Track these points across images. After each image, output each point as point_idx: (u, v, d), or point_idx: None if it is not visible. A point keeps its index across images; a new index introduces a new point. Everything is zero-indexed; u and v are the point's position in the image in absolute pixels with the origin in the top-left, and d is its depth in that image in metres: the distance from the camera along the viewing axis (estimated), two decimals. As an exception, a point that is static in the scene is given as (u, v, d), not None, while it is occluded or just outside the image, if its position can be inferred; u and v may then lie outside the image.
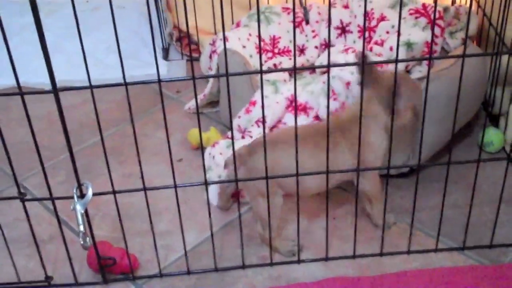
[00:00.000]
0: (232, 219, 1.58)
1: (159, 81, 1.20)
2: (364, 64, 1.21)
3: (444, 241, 1.48)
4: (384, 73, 1.43)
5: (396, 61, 1.21)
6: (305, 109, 1.61)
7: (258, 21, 1.16)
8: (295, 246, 1.46)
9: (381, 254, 1.45)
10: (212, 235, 1.39)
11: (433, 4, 1.89)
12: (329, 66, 1.20)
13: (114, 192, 1.30)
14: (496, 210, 1.43)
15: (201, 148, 1.34)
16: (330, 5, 1.14)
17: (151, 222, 1.33)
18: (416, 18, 1.85)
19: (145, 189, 1.31)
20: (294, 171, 1.30)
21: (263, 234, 1.46)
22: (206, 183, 1.32)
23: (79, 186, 1.26)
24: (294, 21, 1.10)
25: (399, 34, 1.16)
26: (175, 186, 1.31)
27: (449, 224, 1.52)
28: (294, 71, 1.19)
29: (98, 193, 1.29)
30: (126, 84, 1.18)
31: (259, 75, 1.63)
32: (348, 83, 1.59)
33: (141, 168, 1.28)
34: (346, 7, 2.00)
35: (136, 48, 2.35)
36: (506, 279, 1.37)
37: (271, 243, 1.44)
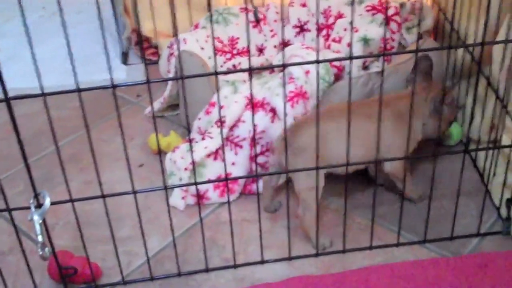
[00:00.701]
0: (195, 222, 1.57)
1: (113, 86, 1.19)
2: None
3: (406, 235, 1.49)
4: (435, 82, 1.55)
5: (351, 57, 1.21)
6: (262, 105, 1.61)
7: (212, 23, 1.15)
8: (329, 240, 1.47)
9: (343, 251, 1.46)
10: (174, 239, 1.38)
11: (389, 1, 1.91)
12: (284, 65, 1.20)
13: (72, 201, 1.28)
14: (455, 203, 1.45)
15: (158, 152, 1.33)
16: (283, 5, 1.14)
17: (111, 229, 1.32)
18: (373, 14, 1.86)
19: (103, 196, 1.29)
20: (342, 146, 1.29)
21: (303, 218, 1.45)
22: (166, 188, 1.31)
23: (36, 195, 1.24)
24: (247, 22, 1.10)
25: (352, 31, 1.16)
26: (134, 192, 1.30)
27: (410, 218, 1.53)
28: (250, 72, 1.19)
29: (56, 202, 1.27)
30: (79, 90, 1.16)
31: (217, 76, 1.63)
32: (307, 72, 1.60)
33: (98, 175, 1.26)
34: (304, 5, 2.00)
35: (96, 53, 2.33)
36: (466, 269, 1.39)
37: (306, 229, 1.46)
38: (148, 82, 1.17)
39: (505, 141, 1.47)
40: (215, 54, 1.12)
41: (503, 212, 1.49)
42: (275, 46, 1.99)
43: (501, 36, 1.46)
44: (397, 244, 1.47)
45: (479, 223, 1.48)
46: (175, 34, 1.15)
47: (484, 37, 1.26)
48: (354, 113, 1.26)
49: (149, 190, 1.33)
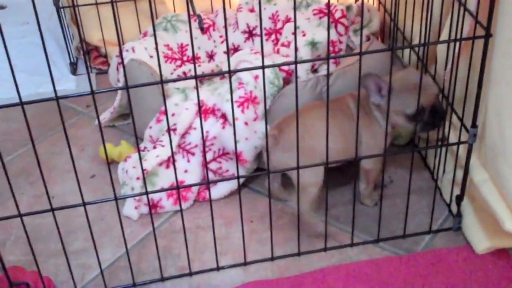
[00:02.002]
0: (149, 231, 1.56)
1: (57, 98, 1.17)
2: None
3: (360, 235, 1.50)
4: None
5: (296, 62, 1.22)
6: (213, 111, 1.61)
7: (154, 32, 1.15)
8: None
9: (299, 254, 1.46)
10: (127, 250, 1.36)
11: (336, 4, 1.93)
12: (229, 72, 1.20)
13: (20, 215, 1.25)
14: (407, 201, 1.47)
15: (107, 162, 1.31)
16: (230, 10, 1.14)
17: (62, 242, 1.30)
18: (320, 18, 1.88)
19: (52, 209, 1.27)
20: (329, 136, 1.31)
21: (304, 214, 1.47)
22: (116, 199, 1.29)
23: (-18, 212, 1.21)
24: (191, 30, 1.09)
25: (295, 36, 1.17)
26: (84, 204, 1.28)
27: (364, 218, 1.55)
28: (196, 80, 1.18)
29: (4, 217, 1.25)
30: (22, 103, 1.14)
31: (168, 84, 1.62)
32: (256, 76, 1.60)
33: (46, 188, 1.24)
34: (252, 10, 2.01)
35: (43, 64, 2.29)
36: (419, 266, 1.41)
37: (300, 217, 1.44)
38: (92, 93, 1.16)
39: (452, 138, 1.49)
40: (159, 64, 1.11)
41: (454, 208, 1.51)
42: (225, 52, 1.99)
43: (444, 36, 1.49)
44: (352, 245, 1.48)
45: (431, 220, 1.50)
46: (119, 43, 1.14)
47: (426, 37, 1.29)
48: (332, 110, 1.35)
49: (99, 202, 1.31)
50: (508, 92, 1.24)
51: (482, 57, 1.26)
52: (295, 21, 1.15)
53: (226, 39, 1.13)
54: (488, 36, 1.23)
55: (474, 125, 1.34)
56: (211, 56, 2.04)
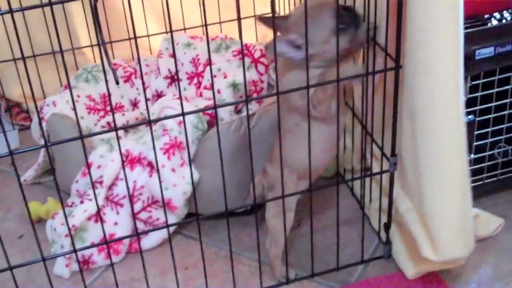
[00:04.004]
0: (83, 288, 1.52)
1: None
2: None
3: (295, 271, 1.51)
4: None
5: (215, 107, 1.23)
6: (139, 160, 1.60)
7: (69, 86, 1.14)
8: (294, 273, 1.49)
9: (235, 296, 1.46)
10: (59, 310, 1.33)
11: (255, 44, 1.96)
12: (149, 121, 1.20)
13: None
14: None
15: (31, 222, 1.28)
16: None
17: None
18: (240, 59, 1.91)
19: (-23, 276, 1.23)
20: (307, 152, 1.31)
21: (269, 250, 1.47)
22: (44, 259, 1.27)
23: None
24: (106, 82, 1.10)
25: (212, 80, 1.18)
26: (10, 268, 1.25)
27: (297, 253, 1.56)
28: (115, 131, 1.18)
29: None
30: None
31: (92, 137, 1.60)
32: (180, 122, 1.60)
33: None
34: (172, 56, 2.02)
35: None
36: (355, 298, 1.43)
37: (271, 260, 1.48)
38: (11, 153, 1.13)
39: (375, 168, 1.53)
40: (78, 120, 1.11)
41: (383, 236, 1.54)
42: (148, 99, 1.99)
43: (358, 70, 1.53)
44: (287, 282, 1.49)
45: (362, 250, 1.53)
46: (34, 100, 1.12)
47: (338, 73, 1.32)
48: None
49: (26, 264, 1.28)
50: (412, 123, 1.29)
51: (395, 88, 1.30)
52: (210, 65, 1.17)
53: (143, 88, 1.14)
54: (398, 67, 1.28)
55: (393, 154, 1.38)
56: (135, 104, 2.03)
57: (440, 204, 1.28)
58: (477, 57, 1.44)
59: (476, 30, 1.44)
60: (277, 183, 1.38)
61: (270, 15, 1.21)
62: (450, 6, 1.16)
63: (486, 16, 1.51)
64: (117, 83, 1.38)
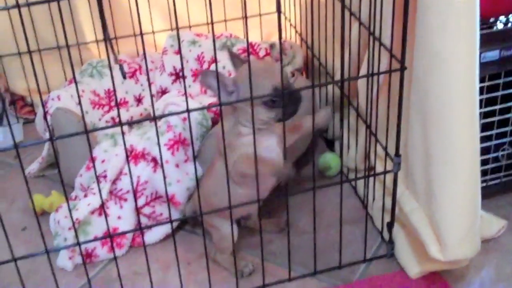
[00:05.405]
0: (84, 282, 1.53)
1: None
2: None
3: (297, 269, 1.51)
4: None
5: (220, 104, 1.23)
6: (143, 155, 1.61)
7: (75, 81, 1.14)
8: (247, 267, 1.50)
9: (237, 293, 1.47)
10: (62, 303, 1.34)
11: (260, 42, 1.96)
12: (154, 117, 1.20)
13: None
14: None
15: (35, 215, 1.28)
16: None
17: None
18: (244, 57, 1.91)
19: (-19, 267, 1.24)
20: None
21: (213, 258, 1.52)
22: (48, 252, 1.27)
23: None
24: (112, 76, 1.10)
25: (217, 77, 1.19)
26: (14, 260, 1.25)
27: (299, 251, 1.56)
28: (120, 126, 1.18)
29: None
30: None
31: (96, 131, 1.61)
32: (184, 119, 1.61)
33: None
34: (177, 53, 2.03)
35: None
36: (356, 296, 1.44)
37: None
38: (16, 147, 1.14)
39: (378, 168, 1.54)
40: (83, 114, 1.11)
41: (386, 235, 1.55)
42: (153, 95, 1.99)
43: (363, 71, 1.54)
44: (289, 279, 1.49)
45: (365, 249, 1.53)
46: (40, 94, 1.13)
47: (343, 73, 1.33)
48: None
49: (29, 256, 1.29)
50: (423, 123, 1.29)
51: (400, 89, 1.31)
52: (216, 63, 1.18)
53: (149, 84, 1.14)
54: (403, 69, 1.29)
55: (397, 154, 1.38)
56: (139, 100, 2.04)
57: (449, 203, 1.29)
58: (482, 60, 1.44)
59: (481, 33, 1.44)
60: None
61: (276, 14, 1.23)
62: (466, 4, 1.16)
63: (491, 19, 1.51)
64: (124, 77, 1.38)
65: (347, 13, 1.52)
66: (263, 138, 1.34)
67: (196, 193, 1.44)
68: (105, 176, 1.62)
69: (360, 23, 1.49)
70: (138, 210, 1.41)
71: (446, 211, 1.29)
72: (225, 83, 1.30)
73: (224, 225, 1.46)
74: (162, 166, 1.25)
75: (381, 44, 1.36)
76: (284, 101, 1.28)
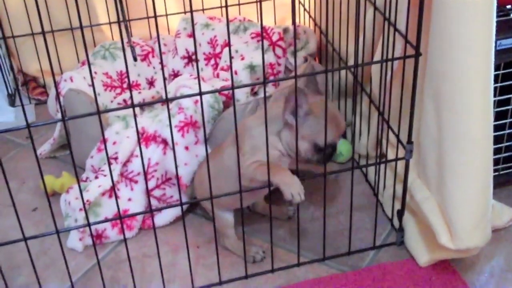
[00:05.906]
0: (95, 263, 1.53)
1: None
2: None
3: (306, 255, 1.52)
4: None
5: (233, 87, 1.23)
6: (154, 138, 1.61)
7: (88, 62, 1.14)
8: (259, 254, 1.51)
9: (246, 277, 1.47)
10: (72, 283, 1.34)
11: (273, 27, 1.95)
12: (167, 99, 1.20)
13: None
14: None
15: (46, 195, 1.29)
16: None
17: (3, 278, 1.27)
18: (258, 41, 1.90)
19: (-8, 246, 1.25)
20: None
21: (222, 243, 1.53)
22: (58, 232, 1.28)
23: None
24: (126, 59, 1.10)
25: (230, 61, 1.18)
26: (25, 239, 1.26)
27: (309, 237, 1.56)
28: (133, 108, 1.18)
29: None
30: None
31: (108, 113, 1.61)
32: (196, 101, 1.61)
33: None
34: (190, 36, 2.02)
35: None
36: (365, 282, 1.43)
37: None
38: (28, 126, 1.14)
39: (390, 155, 1.53)
40: (95, 95, 1.11)
41: (396, 223, 1.54)
42: (165, 78, 1.99)
43: (377, 56, 1.53)
44: (298, 264, 1.49)
45: (374, 236, 1.53)
46: (53, 75, 1.13)
47: (356, 58, 1.32)
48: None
49: (40, 236, 1.29)
50: (437, 110, 1.28)
51: (414, 75, 1.30)
52: (229, 46, 1.17)
53: (162, 67, 1.14)
54: (417, 55, 1.27)
55: (409, 141, 1.37)
56: (151, 83, 2.04)
57: (461, 192, 1.28)
58: (497, 48, 1.42)
59: (497, 20, 1.42)
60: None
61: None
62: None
63: (508, 6, 1.49)
64: (135, 59, 1.37)
65: (362, -2, 1.50)
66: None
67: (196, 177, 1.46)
68: (116, 158, 1.62)
69: (375, 8, 1.48)
70: (148, 193, 1.41)
71: (457, 199, 1.28)
72: (302, 105, 1.30)
73: (219, 211, 1.47)
74: (173, 148, 1.25)
75: (396, 29, 1.34)
76: (324, 158, 1.35)
